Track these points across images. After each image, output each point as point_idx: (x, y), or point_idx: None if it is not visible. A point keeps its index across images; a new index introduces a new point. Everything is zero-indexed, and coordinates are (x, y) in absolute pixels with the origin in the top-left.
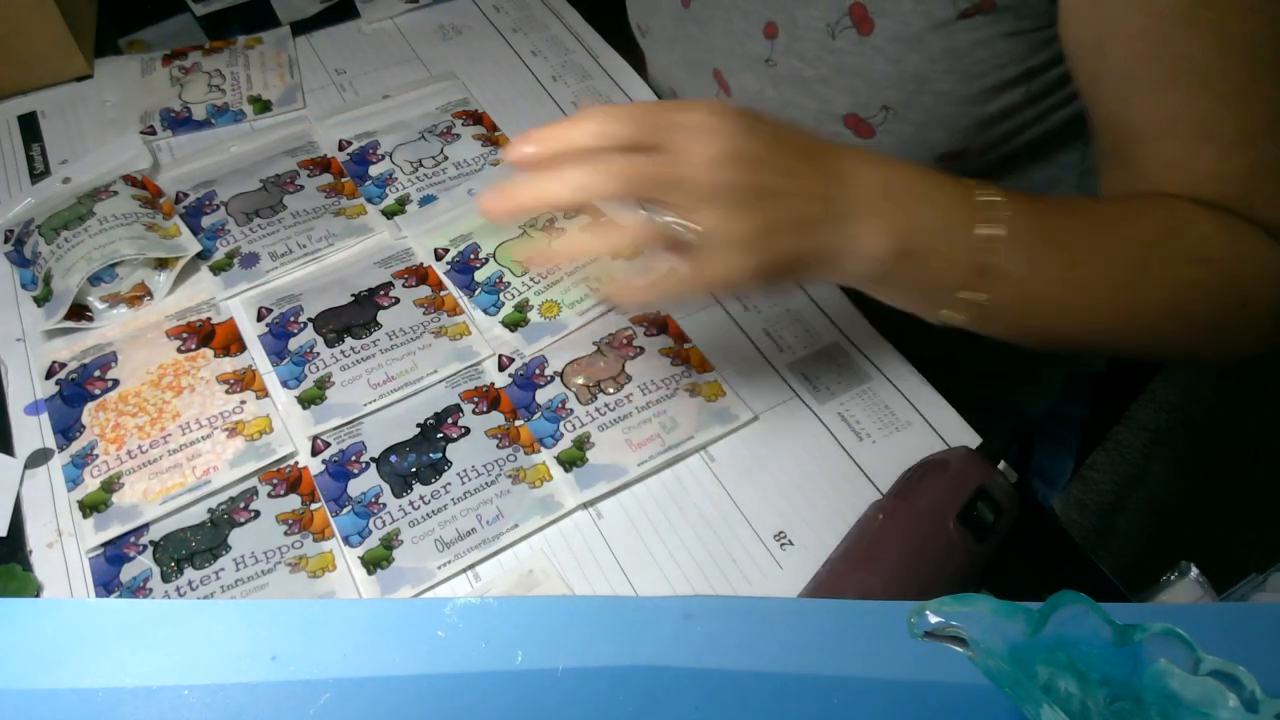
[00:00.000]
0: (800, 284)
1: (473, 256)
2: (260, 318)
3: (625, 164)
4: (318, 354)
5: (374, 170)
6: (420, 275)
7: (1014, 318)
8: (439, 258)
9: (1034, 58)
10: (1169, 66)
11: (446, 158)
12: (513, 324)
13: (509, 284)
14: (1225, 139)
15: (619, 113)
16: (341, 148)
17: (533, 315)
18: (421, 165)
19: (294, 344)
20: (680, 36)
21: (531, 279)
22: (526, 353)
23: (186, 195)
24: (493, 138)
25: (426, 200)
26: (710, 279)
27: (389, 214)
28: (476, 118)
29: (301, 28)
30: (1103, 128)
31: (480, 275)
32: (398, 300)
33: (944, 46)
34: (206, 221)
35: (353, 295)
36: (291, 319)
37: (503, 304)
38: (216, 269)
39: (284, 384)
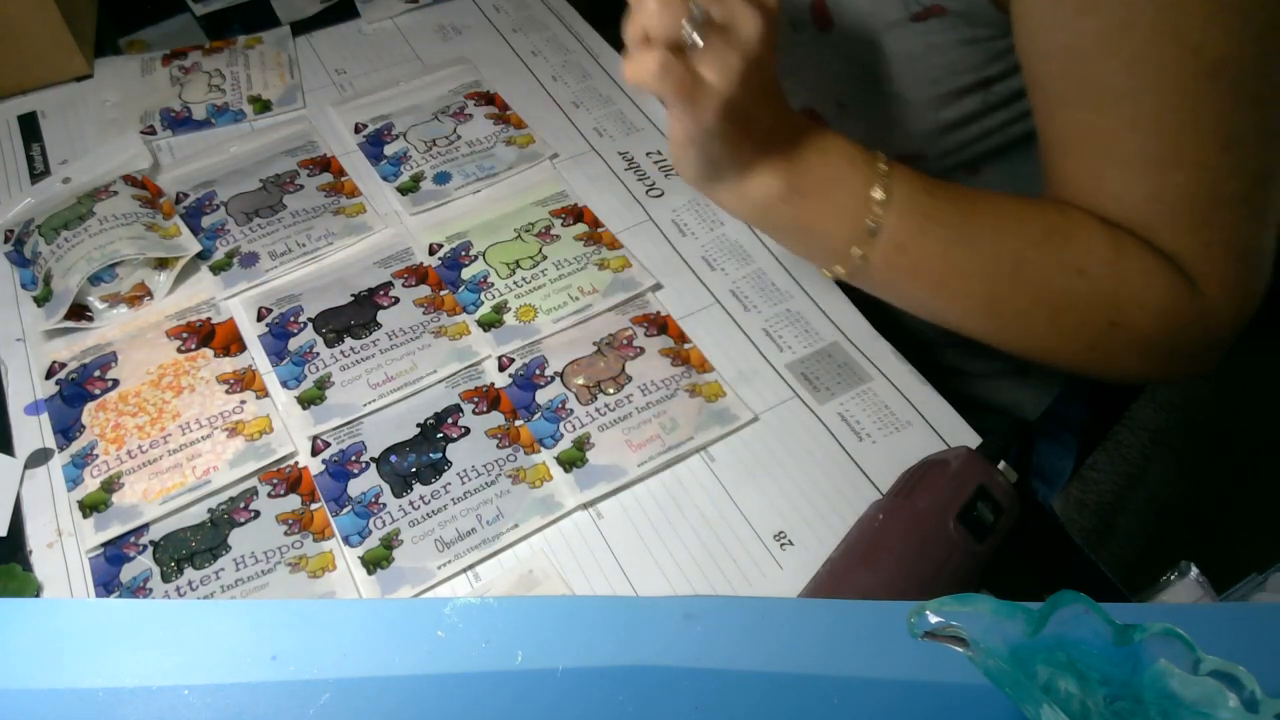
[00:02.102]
0: (725, 187)
1: (464, 254)
2: (260, 318)
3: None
4: (317, 354)
5: (389, 150)
6: (420, 275)
7: (893, 281)
8: (432, 252)
9: (990, 67)
10: (1084, 86)
11: (459, 136)
12: (487, 324)
13: (492, 285)
14: (1129, 162)
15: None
16: (357, 130)
17: (508, 318)
18: (435, 144)
19: (294, 344)
20: None
21: (515, 282)
22: (495, 354)
23: (186, 195)
24: (504, 116)
25: (441, 178)
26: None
27: (403, 190)
28: (489, 98)
29: (301, 28)
30: (1038, 139)
31: (466, 273)
32: (397, 300)
33: (897, 49)
34: (206, 221)
35: (352, 295)
36: (291, 319)
37: (481, 303)
38: (216, 269)
39: (284, 384)
